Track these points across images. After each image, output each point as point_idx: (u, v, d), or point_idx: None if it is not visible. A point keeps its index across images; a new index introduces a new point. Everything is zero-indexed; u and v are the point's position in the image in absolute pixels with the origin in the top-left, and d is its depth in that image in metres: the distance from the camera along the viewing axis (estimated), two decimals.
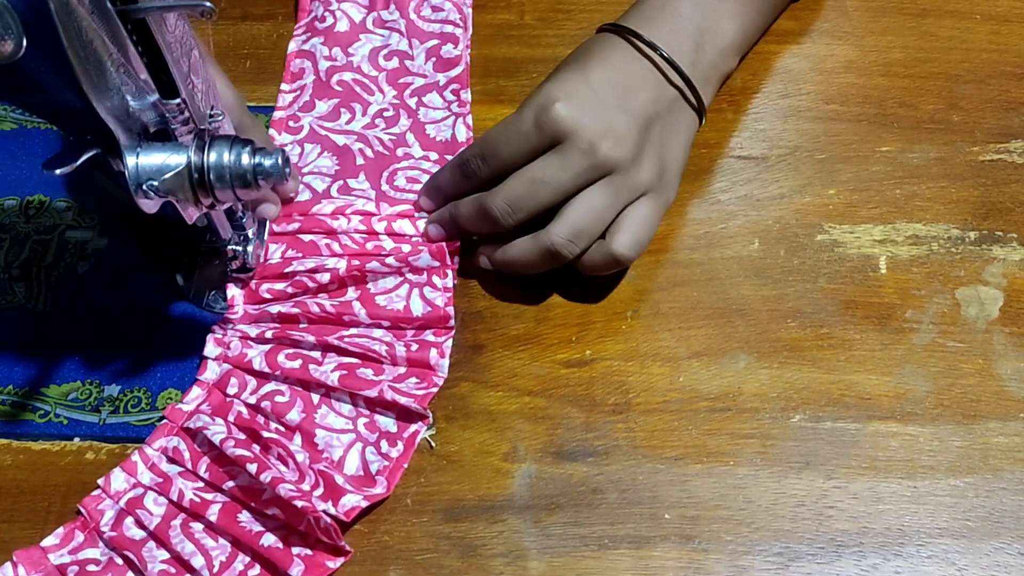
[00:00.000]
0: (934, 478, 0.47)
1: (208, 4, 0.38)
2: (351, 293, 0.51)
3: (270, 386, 0.49)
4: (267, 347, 0.50)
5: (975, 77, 0.61)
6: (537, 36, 0.63)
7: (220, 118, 0.44)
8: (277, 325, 0.51)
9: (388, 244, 0.53)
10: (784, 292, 0.53)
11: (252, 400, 0.49)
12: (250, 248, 0.51)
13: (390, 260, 0.51)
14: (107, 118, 0.38)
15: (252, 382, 0.49)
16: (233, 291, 0.52)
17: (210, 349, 0.50)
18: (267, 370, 0.49)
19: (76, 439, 0.49)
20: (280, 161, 0.43)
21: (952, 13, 0.64)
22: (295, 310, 0.50)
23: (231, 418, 0.48)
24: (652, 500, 0.47)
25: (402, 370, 0.50)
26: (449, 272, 0.52)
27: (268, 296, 0.51)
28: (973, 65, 0.62)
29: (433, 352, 0.50)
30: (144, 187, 0.41)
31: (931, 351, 0.51)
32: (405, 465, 0.47)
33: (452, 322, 0.51)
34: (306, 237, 0.53)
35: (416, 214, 0.54)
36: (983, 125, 0.59)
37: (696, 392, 0.50)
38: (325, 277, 0.51)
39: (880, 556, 0.45)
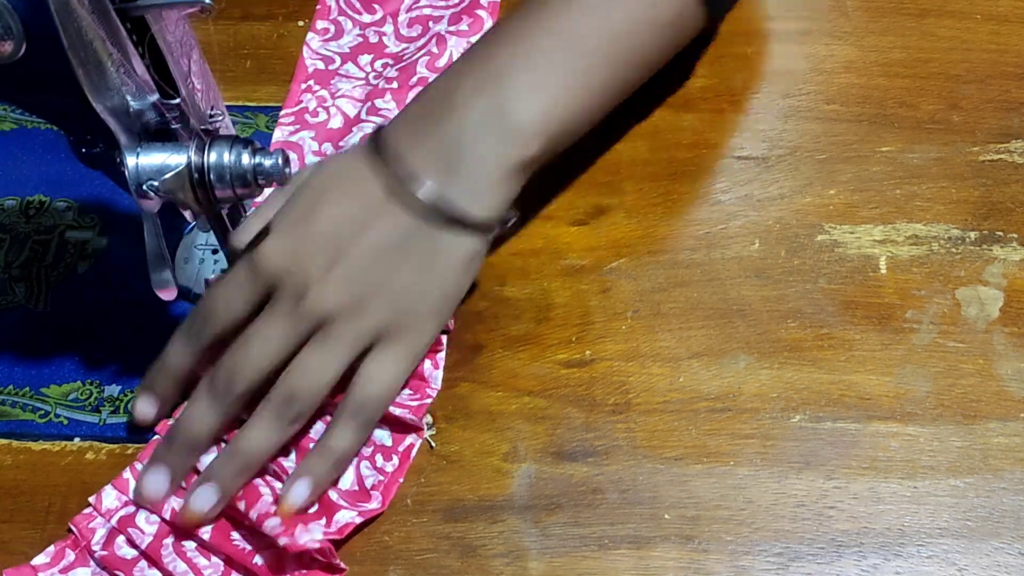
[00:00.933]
0: (934, 478, 0.47)
1: (207, 2, 0.38)
2: None
3: None
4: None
5: (975, 77, 0.61)
6: None
7: (220, 118, 0.44)
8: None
9: None
10: (784, 292, 0.53)
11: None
12: None
13: None
14: (107, 118, 0.38)
15: None
16: None
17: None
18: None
19: (76, 439, 0.49)
20: (280, 161, 0.43)
21: (952, 13, 0.64)
22: None
23: (224, 435, 0.46)
24: (652, 500, 0.47)
25: None
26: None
27: None
28: (973, 65, 0.62)
29: (427, 363, 0.49)
30: (144, 187, 0.41)
31: (931, 351, 0.51)
32: (401, 480, 0.47)
33: (443, 339, 0.49)
34: None
35: None
36: (983, 125, 0.59)
37: (696, 392, 0.50)
38: None
39: (880, 556, 0.45)
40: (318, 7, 0.63)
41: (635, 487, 0.47)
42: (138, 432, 0.48)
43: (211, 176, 0.42)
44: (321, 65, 0.61)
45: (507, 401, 0.50)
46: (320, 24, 0.63)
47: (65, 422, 0.49)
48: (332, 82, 0.60)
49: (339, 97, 0.60)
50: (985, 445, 0.48)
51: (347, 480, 0.47)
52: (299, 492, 0.43)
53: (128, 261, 0.54)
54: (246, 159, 0.43)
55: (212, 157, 0.42)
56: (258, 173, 0.43)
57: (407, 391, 0.48)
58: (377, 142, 0.46)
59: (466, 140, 0.45)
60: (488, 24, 0.62)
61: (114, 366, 0.50)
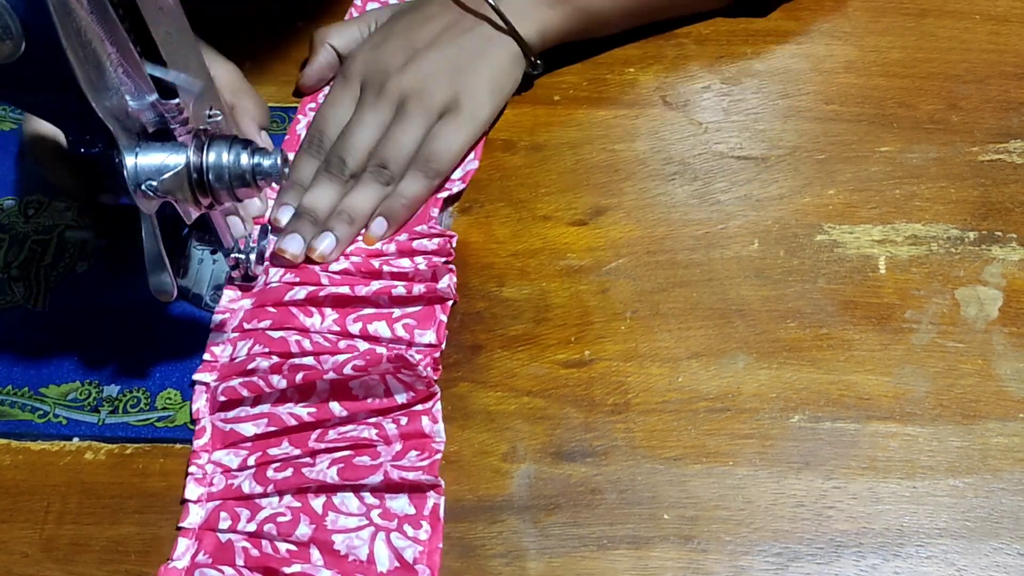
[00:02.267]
0: (933, 478, 0.47)
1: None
2: (322, 393, 0.48)
3: (266, 510, 0.45)
4: (252, 470, 0.47)
5: (975, 77, 0.61)
6: None
7: (219, 118, 0.44)
8: (252, 445, 0.48)
9: (362, 346, 0.50)
10: (783, 292, 0.53)
11: (252, 528, 0.45)
12: (252, 256, 0.51)
13: (348, 369, 0.47)
14: (106, 118, 0.38)
15: (244, 512, 0.45)
16: (199, 403, 0.49)
17: (191, 491, 0.46)
18: (258, 489, 0.46)
19: (75, 439, 0.49)
20: (279, 161, 0.43)
21: (952, 13, 0.64)
22: (271, 427, 0.48)
23: (240, 561, 0.44)
24: (651, 500, 0.47)
25: (399, 447, 0.47)
26: (420, 368, 0.47)
27: (223, 398, 0.48)
28: (973, 65, 0.62)
29: (425, 420, 0.48)
30: (143, 187, 0.41)
31: (930, 351, 0.51)
32: (440, 545, 0.45)
33: (436, 388, 0.48)
34: (275, 334, 0.50)
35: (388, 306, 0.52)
36: (983, 125, 0.59)
37: (695, 392, 0.50)
38: (282, 384, 0.48)
39: (879, 556, 0.45)
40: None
41: (634, 487, 0.47)
42: (137, 432, 0.48)
43: (210, 176, 0.42)
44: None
45: (506, 401, 0.50)
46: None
47: (64, 422, 0.49)
48: None
49: None
50: (984, 445, 0.48)
51: (384, 559, 0.44)
52: (379, 225, 0.54)
53: (128, 261, 0.53)
54: (245, 159, 0.43)
55: (211, 157, 0.42)
56: (257, 173, 0.43)
57: (413, 452, 0.47)
58: None
59: None
60: None
61: (113, 366, 0.50)
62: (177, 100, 0.41)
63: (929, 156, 0.58)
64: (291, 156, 0.57)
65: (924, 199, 0.56)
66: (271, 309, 0.51)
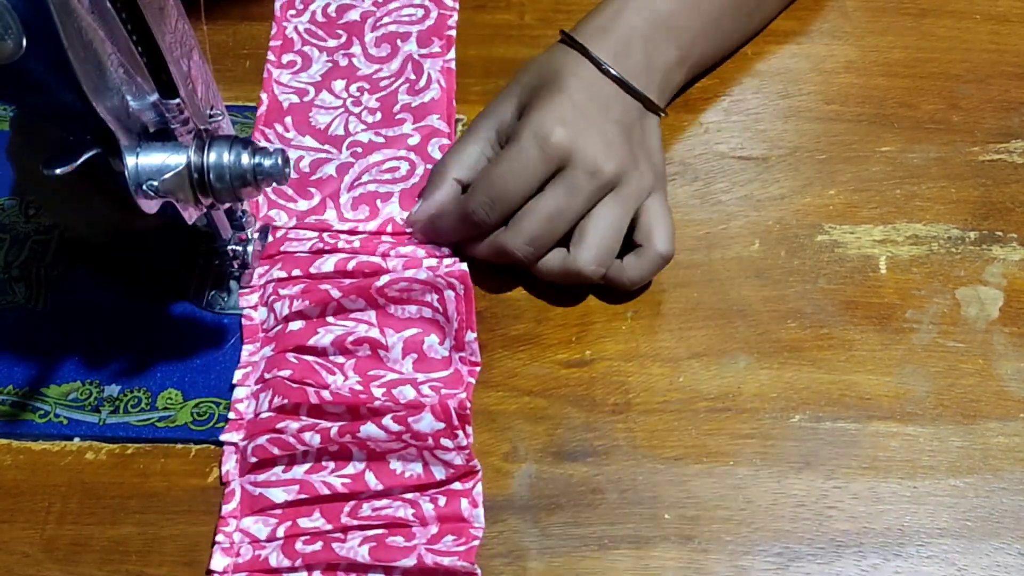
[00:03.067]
0: (934, 478, 0.47)
1: None
2: (357, 463, 0.46)
3: None
4: (280, 541, 0.45)
5: (975, 77, 0.61)
6: (537, 36, 0.63)
7: (219, 118, 0.44)
8: (282, 514, 0.46)
9: (384, 398, 0.48)
10: (784, 292, 0.53)
11: None
12: (250, 248, 0.50)
13: (387, 422, 0.45)
14: (107, 118, 0.38)
15: None
16: (228, 465, 0.47)
17: (217, 561, 0.44)
18: (287, 563, 0.44)
19: (76, 439, 0.49)
20: (280, 161, 0.43)
21: (952, 13, 0.64)
22: (302, 495, 0.46)
23: None
24: (652, 500, 0.47)
25: (435, 529, 0.45)
26: (459, 433, 0.45)
27: (254, 459, 0.46)
28: (973, 65, 0.62)
29: (464, 503, 0.45)
30: (144, 187, 0.41)
31: (931, 351, 0.51)
32: None
33: (478, 466, 0.46)
34: (295, 385, 0.48)
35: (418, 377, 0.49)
36: (983, 125, 0.59)
37: (696, 392, 0.50)
38: (315, 440, 0.46)
39: (880, 556, 0.45)
40: (276, 43, 0.62)
41: (635, 487, 0.47)
42: (138, 432, 0.48)
43: (211, 176, 0.42)
44: (296, 99, 0.59)
45: (507, 401, 0.50)
46: (286, 58, 0.61)
47: (65, 422, 0.49)
48: (310, 115, 0.58)
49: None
50: (985, 445, 0.48)
51: None
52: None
53: (128, 261, 0.53)
54: (246, 159, 0.43)
55: (212, 157, 0.42)
56: (258, 173, 0.43)
57: (450, 537, 0.45)
58: (582, 51, 0.53)
59: (649, 57, 0.54)
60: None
61: (114, 366, 0.50)
62: (178, 100, 0.41)
63: (930, 156, 0.58)
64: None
65: (925, 199, 0.56)
66: (292, 358, 0.49)
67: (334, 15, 0.63)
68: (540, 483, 0.47)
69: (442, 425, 0.45)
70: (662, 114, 0.55)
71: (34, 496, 0.47)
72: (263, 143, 0.55)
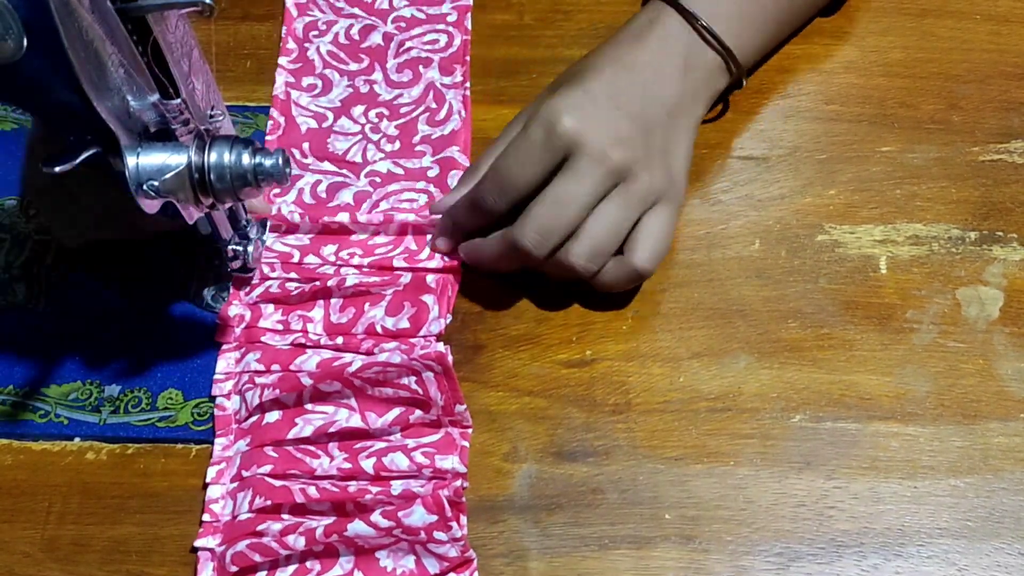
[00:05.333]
0: (934, 478, 0.47)
1: (208, 1, 0.38)
2: (345, 563, 0.45)
3: None
4: None
5: (975, 77, 0.61)
6: (537, 36, 0.63)
7: (220, 118, 0.44)
8: None
9: (373, 488, 0.46)
10: (785, 292, 0.53)
11: None
12: (250, 248, 0.50)
13: (376, 518, 0.44)
14: (107, 118, 0.38)
15: None
16: (204, 574, 0.45)
17: None
18: None
19: (76, 439, 0.49)
20: (280, 161, 0.43)
21: (952, 13, 0.64)
22: None
23: None
24: (652, 500, 0.47)
25: None
26: (453, 524, 0.44)
27: (234, 567, 0.44)
28: (973, 65, 0.62)
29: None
30: (144, 187, 0.41)
31: (931, 351, 0.51)
32: None
33: (473, 556, 0.45)
34: (276, 482, 0.46)
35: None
36: (983, 125, 0.59)
37: (696, 392, 0.50)
38: (300, 543, 0.44)
39: (880, 556, 0.45)
40: (297, 65, 0.60)
41: (635, 487, 0.47)
42: (138, 432, 0.48)
43: (211, 176, 0.42)
44: (314, 123, 0.58)
45: (507, 401, 0.50)
46: (306, 81, 0.60)
47: (65, 422, 0.49)
48: (328, 141, 0.57)
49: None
50: (985, 445, 0.48)
51: None
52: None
53: (128, 261, 0.53)
54: (246, 159, 0.43)
55: (212, 157, 0.42)
56: (258, 173, 0.43)
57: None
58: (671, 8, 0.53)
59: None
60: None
61: (114, 366, 0.50)
62: (178, 100, 0.41)
63: (930, 156, 0.58)
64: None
65: (925, 199, 0.56)
66: (271, 452, 0.47)
67: (357, 38, 0.62)
68: (540, 483, 0.47)
69: (435, 518, 0.43)
70: (742, 78, 0.55)
71: (34, 496, 0.47)
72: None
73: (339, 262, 0.52)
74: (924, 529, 0.46)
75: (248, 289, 0.52)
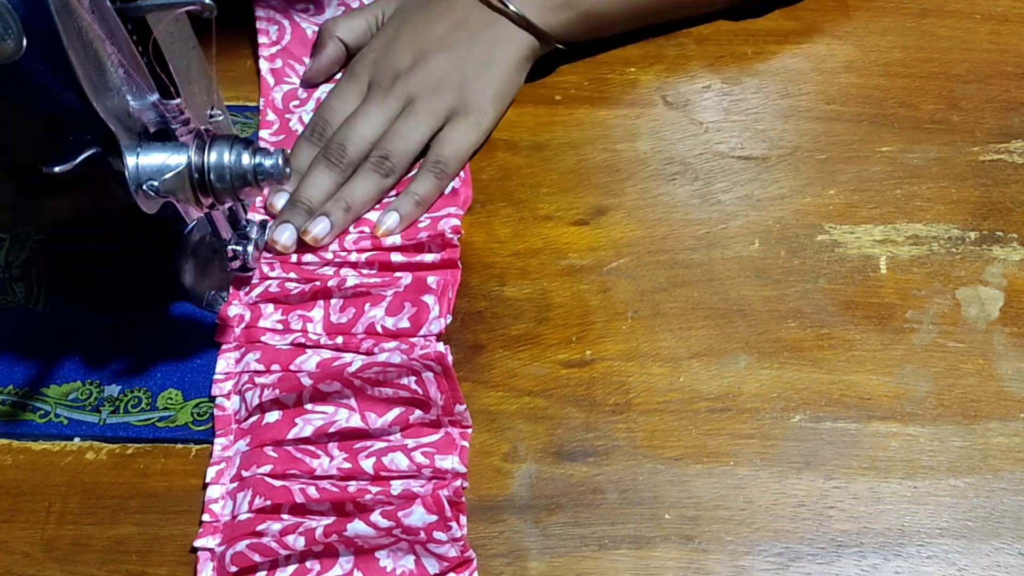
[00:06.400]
0: (934, 478, 0.47)
1: (208, 1, 0.38)
2: (344, 562, 0.44)
3: None
4: None
5: (975, 77, 0.61)
6: None
7: (220, 118, 0.44)
8: None
9: (373, 488, 0.46)
10: (784, 292, 0.53)
11: None
12: (250, 248, 0.50)
13: (376, 517, 0.43)
14: (107, 118, 0.38)
15: None
16: (204, 574, 0.44)
17: None
18: None
19: (76, 439, 0.49)
20: (280, 161, 0.43)
21: (952, 13, 0.64)
22: None
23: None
24: (652, 500, 0.47)
25: None
26: (453, 524, 0.43)
27: (233, 567, 0.44)
28: (973, 65, 0.62)
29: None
30: (144, 187, 0.41)
31: (931, 351, 0.51)
32: None
33: (473, 556, 0.44)
34: (277, 482, 0.46)
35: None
36: (983, 125, 0.59)
37: (696, 392, 0.50)
38: (300, 543, 0.44)
39: (880, 556, 0.45)
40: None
41: (635, 487, 0.47)
42: (138, 432, 0.48)
43: (211, 176, 0.42)
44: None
45: (507, 401, 0.50)
46: (300, 3, 0.63)
47: (65, 422, 0.49)
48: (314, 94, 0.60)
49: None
50: (985, 445, 0.48)
51: None
52: (391, 220, 0.53)
53: (128, 261, 0.53)
54: (246, 159, 0.43)
55: (212, 157, 0.42)
56: (258, 173, 0.43)
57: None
58: None
59: None
60: None
61: (114, 366, 0.50)
62: (178, 100, 0.41)
63: (930, 156, 0.58)
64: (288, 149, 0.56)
65: (925, 199, 0.56)
66: (271, 451, 0.47)
67: None
68: (540, 483, 0.47)
69: (434, 518, 0.43)
70: (543, 40, 0.58)
71: (34, 496, 0.47)
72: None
73: (337, 259, 0.52)
74: (924, 529, 0.46)
75: (248, 289, 0.52)
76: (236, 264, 0.51)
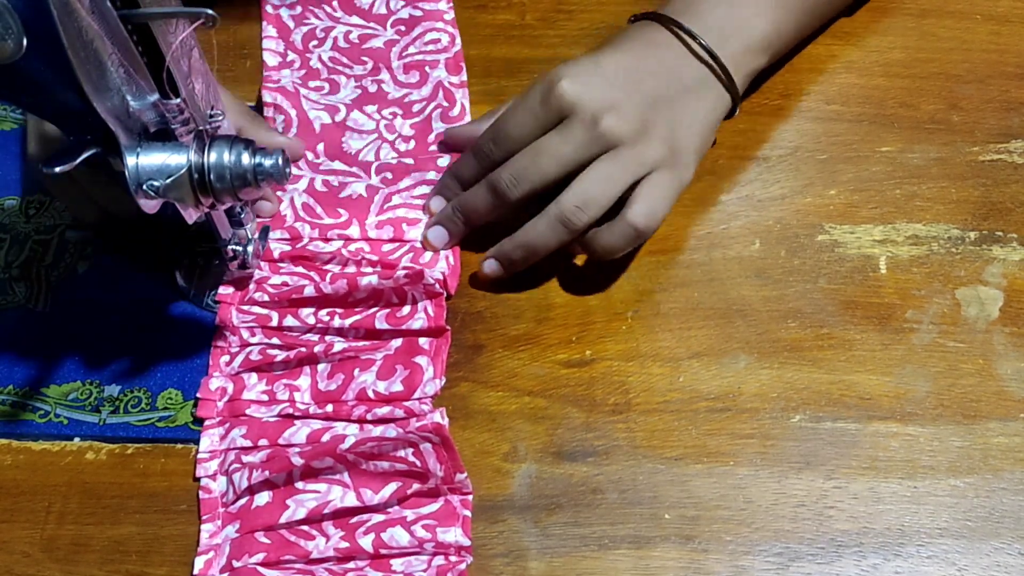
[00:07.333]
0: (934, 478, 0.47)
1: (210, 12, 0.38)
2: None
3: None
4: None
5: (975, 77, 0.61)
6: (538, 36, 0.63)
7: (220, 118, 0.44)
8: None
9: (373, 574, 0.44)
10: (784, 292, 0.53)
11: None
12: (250, 248, 0.50)
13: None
14: (107, 118, 0.38)
15: None
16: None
17: None
18: None
19: (76, 439, 0.49)
20: (280, 161, 0.43)
21: (952, 13, 0.64)
22: None
23: None
24: (652, 500, 0.47)
25: None
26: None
27: None
28: (973, 65, 0.62)
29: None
30: (144, 187, 0.41)
31: (931, 351, 0.51)
32: None
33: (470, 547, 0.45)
34: (270, 572, 0.44)
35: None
36: (983, 125, 0.59)
37: (696, 392, 0.50)
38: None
39: (880, 556, 0.45)
40: (302, 71, 0.59)
41: (635, 487, 0.47)
42: (138, 432, 0.48)
43: (211, 176, 0.42)
44: (327, 117, 0.57)
45: (507, 401, 0.50)
46: (313, 83, 0.59)
47: (65, 422, 0.49)
48: (343, 139, 0.57)
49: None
50: (985, 445, 0.48)
51: None
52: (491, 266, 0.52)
53: (128, 261, 0.53)
54: (246, 159, 0.43)
55: (212, 157, 0.42)
56: (258, 173, 0.43)
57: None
58: (655, 19, 0.55)
59: (725, 38, 0.54)
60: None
61: (114, 366, 0.50)
62: (178, 100, 0.41)
63: (930, 156, 0.58)
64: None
65: (925, 199, 0.56)
66: (263, 538, 0.45)
67: (357, 41, 0.61)
68: (540, 483, 0.47)
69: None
70: (735, 105, 0.54)
71: (34, 496, 0.47)
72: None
73: (320, 324, 0.50)
74: (924, 529, 0.46)
75: (229, 359, 0.50)
76: (235, 264, 0.51)
